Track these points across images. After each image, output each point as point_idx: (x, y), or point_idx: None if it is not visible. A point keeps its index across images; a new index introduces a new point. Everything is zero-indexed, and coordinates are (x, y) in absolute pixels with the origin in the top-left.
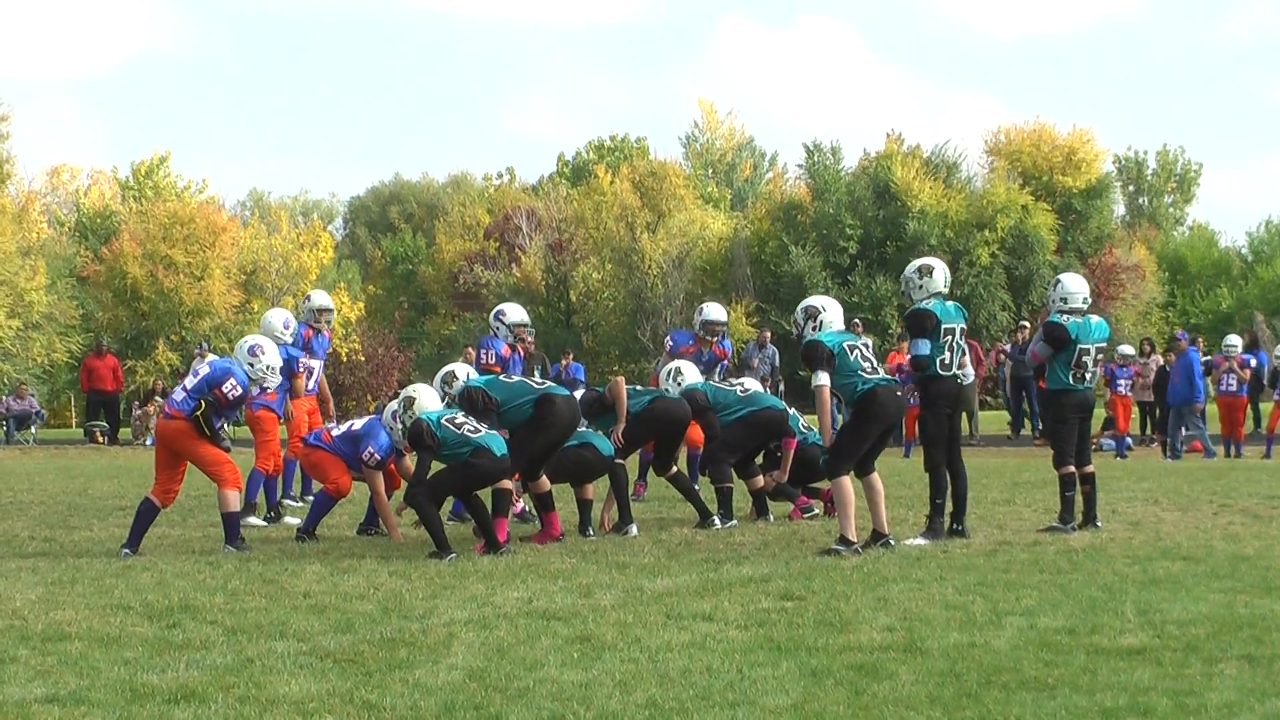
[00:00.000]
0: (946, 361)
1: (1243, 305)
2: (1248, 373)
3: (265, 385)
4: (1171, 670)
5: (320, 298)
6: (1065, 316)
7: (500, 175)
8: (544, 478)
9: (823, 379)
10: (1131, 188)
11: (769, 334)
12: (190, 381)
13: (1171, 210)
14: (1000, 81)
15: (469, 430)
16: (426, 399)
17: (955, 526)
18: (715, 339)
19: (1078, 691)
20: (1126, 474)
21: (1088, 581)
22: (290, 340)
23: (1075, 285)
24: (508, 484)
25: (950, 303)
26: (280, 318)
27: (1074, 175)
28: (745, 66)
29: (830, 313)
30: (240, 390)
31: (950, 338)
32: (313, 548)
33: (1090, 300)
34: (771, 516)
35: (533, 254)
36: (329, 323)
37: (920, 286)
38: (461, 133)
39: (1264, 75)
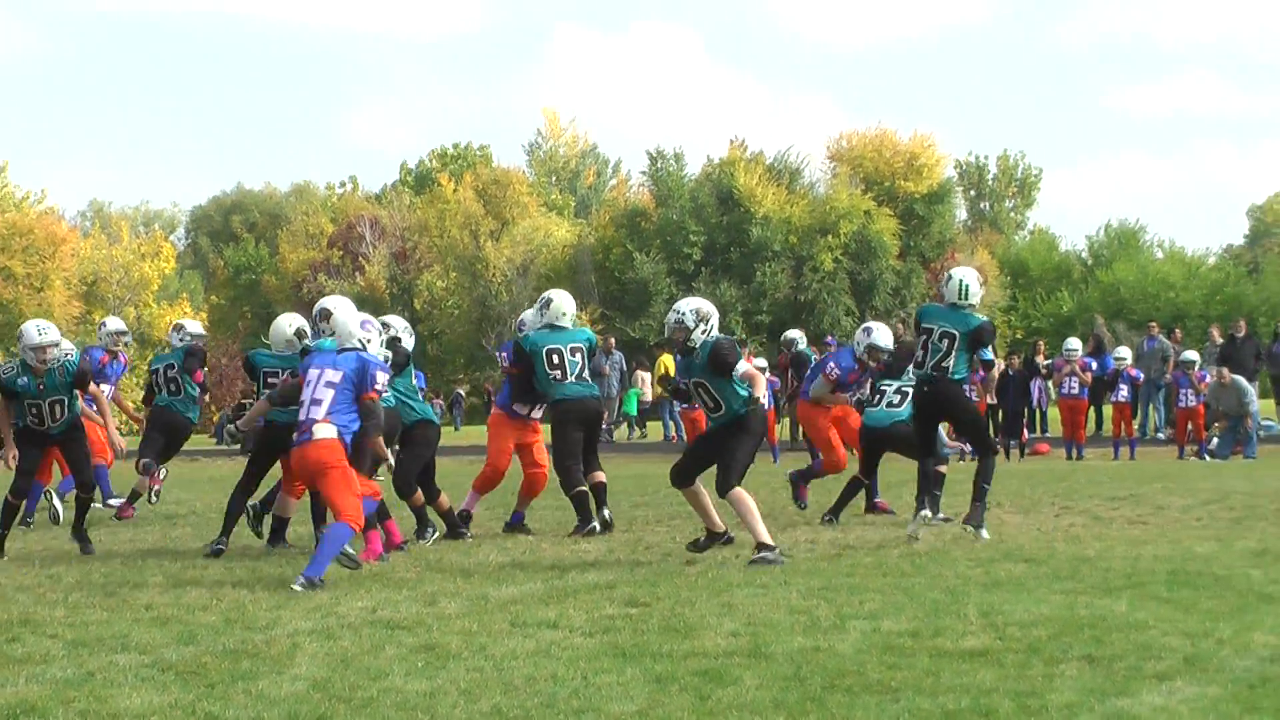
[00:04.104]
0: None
1: (1083, 309)
2: (1089, 375)
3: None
4: (1014, 671)
5: (114, 322)
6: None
7: (343, 184)
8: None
9: (746, 366)
10: (973, 192)
11: (614, 340)
12: None
13: (1013, 215)
14: (841, 87)
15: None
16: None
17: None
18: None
19: (921, 694)
20: (970, 477)
21: (931, 584)
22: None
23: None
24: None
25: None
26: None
27: (916, 180)
28: (584, 74)
29: (716, 319)
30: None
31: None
32: (155, 563)
33: None
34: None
35: (376, 262)
36: (126, 345)
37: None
38: (304, 142)
39: (1099, 80)
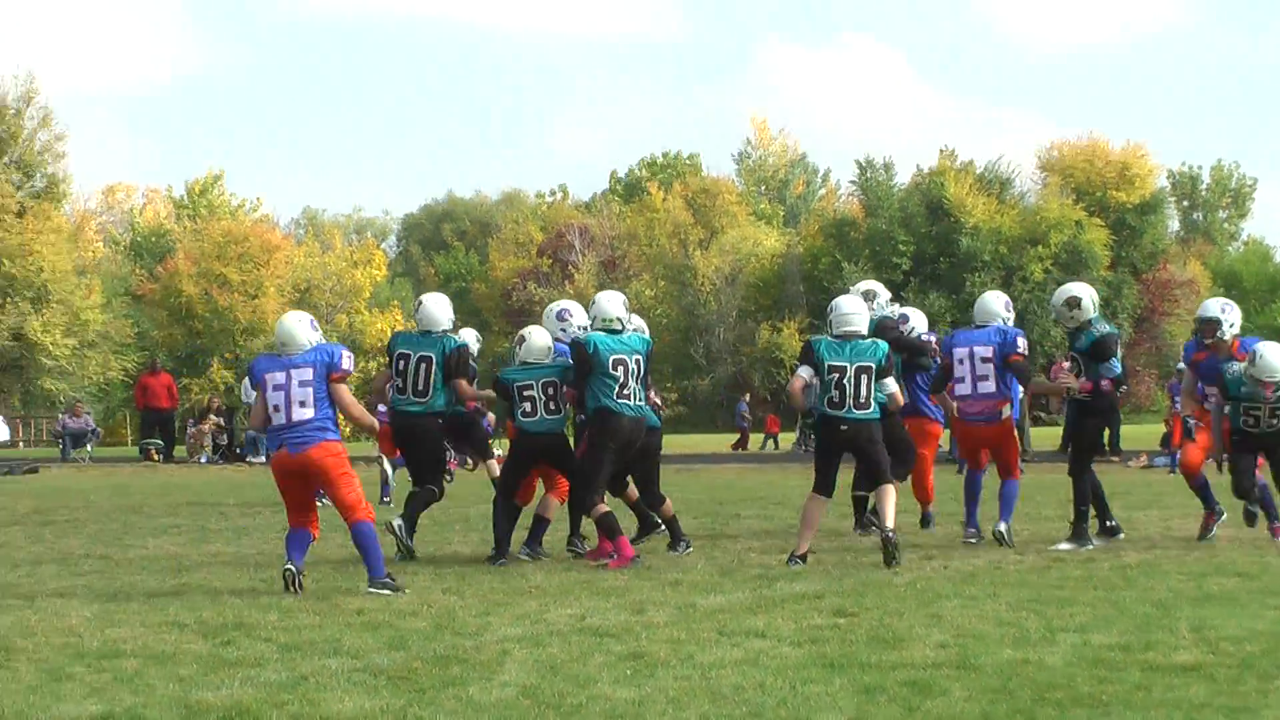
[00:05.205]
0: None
1: None
2: None
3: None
4: (1226, 687)
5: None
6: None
7: (553, 192)
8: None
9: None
10: (1185, 203)
11: None
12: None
13: (1226, 225)
14: (1052, 96)
15: None
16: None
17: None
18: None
19: (1131, 709)
20: (1179, 489)
21: (1141, 598)
22: (568, 337)
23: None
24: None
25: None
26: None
27: (1127, 190)
28: (792, 84)
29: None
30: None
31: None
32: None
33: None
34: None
35: (585, 271)
36: None
37: (1071, 318)
38: (514, 150)
39: None
